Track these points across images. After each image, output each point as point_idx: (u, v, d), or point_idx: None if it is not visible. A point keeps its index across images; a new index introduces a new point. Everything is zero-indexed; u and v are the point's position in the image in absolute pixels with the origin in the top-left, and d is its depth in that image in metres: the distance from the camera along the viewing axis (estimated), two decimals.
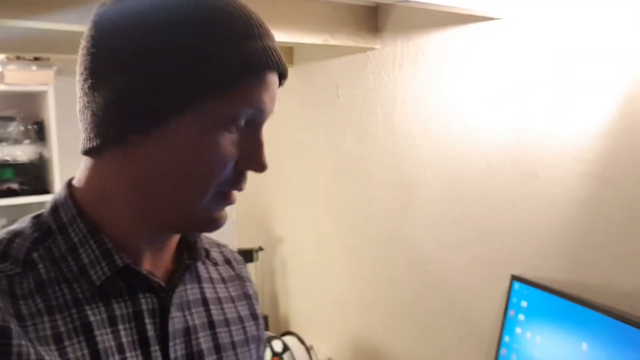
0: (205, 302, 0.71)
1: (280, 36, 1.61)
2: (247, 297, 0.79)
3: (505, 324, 1.47)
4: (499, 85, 1.50)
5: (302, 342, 2.02)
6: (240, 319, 0.75)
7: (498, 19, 1.48)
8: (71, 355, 0.56)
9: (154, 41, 0.56)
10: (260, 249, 2.30)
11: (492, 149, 1.53)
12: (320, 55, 2.08)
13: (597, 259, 1.32)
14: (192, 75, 0.56)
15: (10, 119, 2.16)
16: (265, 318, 2.27)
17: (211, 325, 0.70)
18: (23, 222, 0.63)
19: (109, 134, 0.59)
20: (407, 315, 1.84)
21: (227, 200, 0.63)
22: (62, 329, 0.56)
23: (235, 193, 0.63)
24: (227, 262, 0.80)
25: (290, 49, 2.19)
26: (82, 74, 0.60)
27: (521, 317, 1.42)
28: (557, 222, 1.40)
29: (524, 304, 1.42)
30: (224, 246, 0.83)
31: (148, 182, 0.60)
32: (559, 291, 1.34)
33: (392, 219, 1.86)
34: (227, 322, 0.72)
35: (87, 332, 0.58)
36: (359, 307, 2.04)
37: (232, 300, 0.76)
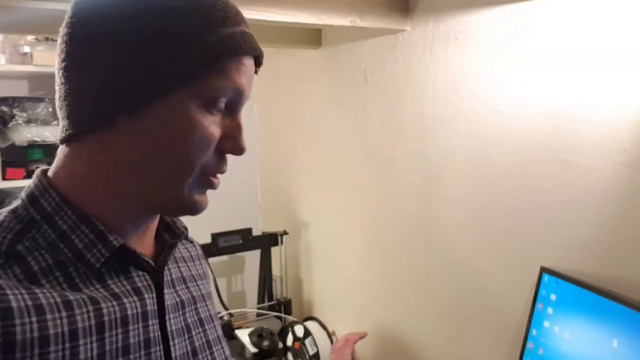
0: (184, 280, 0.75)
1: (307, 18, 1.58)
2: (204, 277, 0.84)
3: (533, 317, 1.43)
4: (533, 71, 1.45)
5: (324, 327, 2.01)
6: (207, 295, 0.80)
7: None
8: (79, 325, 0.57)
9: (136, 26, 0.58)
10: (285, 232, 2.29)
11: (525, 136, 1.48)
12: (349, 38, 2.04)
13: (631, 253, 1.27)
14: (174, 59, 0.58)
15: (40, 99, 2.19)
16: (289, 302, 2.26)
17: (193, 300, 0.74)
18: None
19: (93, 119, 0.59)
20: (431, 303, 1.81)
21: (209, 183, 0.65)
22: (71, 297, 0.58)
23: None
24: (189, 242, 0.85)
25: (317, 31, 2.16)
26: (63, 60, 0.60)
27: (550, 310, 1.38)
28: (590, 213, 1.35)
29: (553, 297, 1.38)
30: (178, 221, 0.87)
31: (132, 166, 0.61)
32: (590, 285, 1.29)
33: (419, 206, 1.83)
34: (202, 298, 0.77)
35: (94, 303, 0.59)
36: (383, 294, 2.01)
37: (200, 278, 0.81)
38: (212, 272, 0.96)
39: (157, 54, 0.57)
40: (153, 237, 0.72)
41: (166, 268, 0.70)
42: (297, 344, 2.00)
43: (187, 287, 0.74)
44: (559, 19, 1.38)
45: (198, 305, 0.75)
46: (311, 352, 1.96)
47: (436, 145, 1.74)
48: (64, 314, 0.56)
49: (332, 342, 1.98)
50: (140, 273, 0.65)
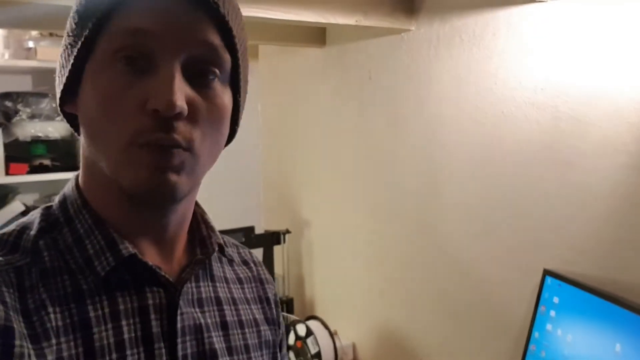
0: (218, 301, 0.67)
1: (312, 17, 1.57)
2: (266, 301, 0.75)
3: (535, 319, 1.42)
4: (538, 72, 1.44)
5: (326, 326, 2.01)
6: (255, 321, 0.71)
7: (542, 1, 1.41)
8: (65, 353, 0.53)
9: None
10: (288, 231, 2.29)
11: (528, 136, 1.47)
12: (353, 37, 2.04)
13: (635, 256, 1.26)
14: (81, 19, 0.56)
15: (43, 95, 2.19)
16: (291, 301, 2.26)
17: (224, 325, 0.66)
18: (33, 214, 0.62)
19: (61, 108, 0.61)
20: (433, 303, 1.81)
21: (158, 156, 0.54)
22: (60, 322, 0.54)
23: (183, 153, 0.55)
24: (245, 263, 0.76)
25: (322, 30, 2.15)
26: None
27: (552, 313, 1.37)
28: (594, 215, 1.34)
29: (556, 300, 1.37)
30: (243, 247, 0.79)
31: (87, 149, 0.59)
32: (594, 288, 1.28)
33: (421, 206, 1.82)
34: (240, 324, 0.68)
35: (84, 328, 0.55)
36: (384, 293, 2.01)
37: (248, 302, 0.72)
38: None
39: (75, 20, 0.57)
40: (182, 253, 0.65)
41: (190, 286, 0.63)
42: (299, 343, 2.00)
43: (222, 310, 0.67)
44: (564, 21, 1.37)
45: (233, 331, 0.67)
46: (313, 351, 1.96)
47: (439, 145, 1.74)
48: (53, 341, 0.53)
49: (333, 341, 1.98)
50: (155, 289, 0.59)
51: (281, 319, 0.78)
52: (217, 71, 0.57)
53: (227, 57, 0.58)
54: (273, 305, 0.76)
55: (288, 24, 1.72)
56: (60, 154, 2.17)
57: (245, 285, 0.73)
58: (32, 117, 2.13)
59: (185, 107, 0.53)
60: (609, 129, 1.29)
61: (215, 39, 0.56)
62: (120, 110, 0.54)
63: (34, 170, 2.12)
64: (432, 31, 1.73)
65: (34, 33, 2.13)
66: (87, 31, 0.55)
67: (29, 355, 0.51)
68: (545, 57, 1.42)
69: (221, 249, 0.69)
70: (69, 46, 0.58)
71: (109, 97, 0.54)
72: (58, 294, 0.56)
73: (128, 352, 0.56)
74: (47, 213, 0.61)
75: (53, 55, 2.08)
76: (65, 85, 0.58)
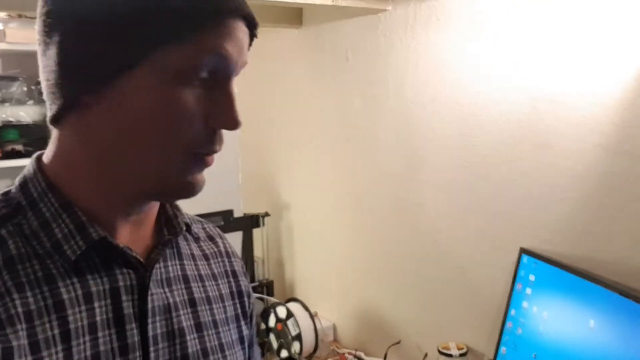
0: (186, 279, 0.68)
1: None
2: (232, 274, 0.76)
3: (512, 297, 1.45)
4: (514, 53, 1.44)
5: (306, 308, 2.01)
6: (222, 297, 0.72)
7: None
8: (40, 336, 0.53)
9: None
10: (267, 214, 2.28)
11: (505, 117, 1.48)
12: (330, 17, 2.02)
13: (609, 234, 1.29)
14: (141, 27, 0.53)
15: (13, 78, 2.13)
16: (271, 284, 2.26)
17: (192, 302, 0.67)
18: None
19: (61, 98, 0.56)
20: (412, 283, 1.82)
21: (201, 163, 0.59)
22: (33, 306, 0.54)
23: (215, 156, 0.59)
24: (210, 238, 0.77)
25: (299, 10, 2.13)
26: (37, 40, 0.57)
27: (528, 290, 1.40)
28: (569, 195, 1.36)
29: (531, 277, 1.40)
30: (207, 222, 0.80)
31: (107, 147, 0.57)
32: (568, 266, 1.31)
33: (400, 187, 1.83)
34: (208, 300, 0.70)
35: (59, 310, 0.55)
36: (364, 275, 2.02)
37: (215, 277, 0.73)
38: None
39: (122, 24, 0.53)
40: (150, 232, 0.66)
41: (158, 266, 0.64)
42: (279, 325, 2.01)
43: (189, 287, 0.68)
44: (541, 1, 1.37)
45: (200, 307, 0.68)
46: (293, 333, 1.97)
47: (417, 126, 1.74)
48: (24, 325, 0.52)
49: (314, 323, 1.99)
50: (125, 270, 0.60)
51: (250, 289, 0.79)
52: None
53: None
54: (240, 277, 0.78)
55: (264, 4, 1.69)
56: (33, 139, 2.11)
57: (212, 261, 0.75)
58: (3, 101, 2.08)
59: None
60: (584, 109, 1.31)
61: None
62: (187, 122, 0.56)
63: (6, 155, 2.07)
64: (409, 11, 1.72)
65: (2, 14, 2.07)
66: (160, 39, 0.53)
67: None
68: (523, 38, 1.42)
69: (188, 228, 0.70)
70: (117, 40, 0.53)
71: (179, 110, 0.55)
72: (28, 279, 0.55)
73: (100, 333, 0.57)
74: (6, 199, 0.59)
75: (22, 38, 2.03)
76: (97, 75, 0.54)
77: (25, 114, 2.12)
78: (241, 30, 0.57)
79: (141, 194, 0.60)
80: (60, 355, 0.54)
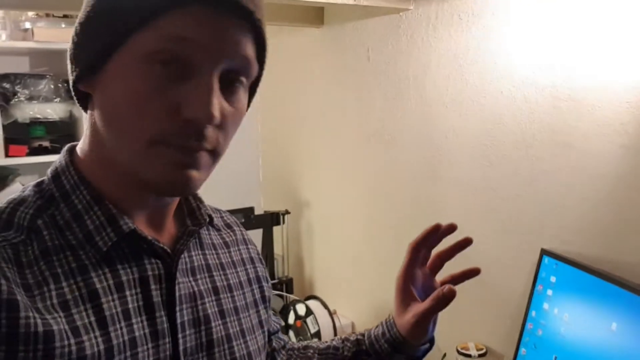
0: (208, 268, 0.71)
1: None
2: (250, 261, 0.79)
3: (532, 298, 1.44)
4: (537, 52, 1.43)
5: (325, 306, 2.02)
6: (241, 284, 0.75)
7: None
8: (79, 323, 0.55)
9: None
10: (287, 212, 2.29)
11: (528, 117, 1.47)
12: (352, 16, 2.02)
13: (632, 236, 1.27)
14: (113, 15, 0.55)
15: (41, 76, 2.17)
16: (290, 281, 2.28)
17: (215, 290, 0.70)
18: (25, 190, 0.62)
19: (74, 84, 0.60)
20: None
21: (180, 157, 0.56)
22: (69, 296, 0.56)
23: (206, 154, 0.57)
24: (228, 226, 0.80)
25: (320, 9, 2.13)
26: None
27: (549, 292, 1.39)
28: (592, 196, 1.35)
29: (552, 279, 1.38)
30: (224, 212, 0.83)
31: (103, 139, 0.59)
32: (590, 268, 1.29)
33: (420, 185, 1.83)
34: (229, 288, 0.72)
35: (93, 299, 0.57)
36: (384, 273, 2.02)
37: (234, 265, 0.76)
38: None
39: (107, 6, 0.55)
40: (173, 223, 0.68)
41: (184, 256, 0.66)
42: (298, 322, 2.02)
43: (212, 276, 0.70)
44: (564, 0, 1.36)
45: (223, 295, 0.70)
46: (312, 331, 1.98)
47: (439, 125, 1.73)
48: (62, 314, 0.54)
49: (333, 320, 2.00)
50: (153, 261, 0.62)
51: (266, 273, 0.82)
52: (245, 80, 0.60)
53: (256, 68, 0.61)
54: (257, 264, 0.80)
55: (286, 3, 1.71)
56: (60, 135, 2.16)
57: (232, 249, 0.77)
58: (31, 98, 2.12)
59: (219, 118, 0.55)
60: (607, 109, 1.29)
61: (252, 52, 0.58)
62: (152, 110, 0.54)
63: (34, 152, 2.12)
64: (431, 10, 1.72)
65: (31, 14, 2.11)
66: (130, 24, 0.54)
67: (36, 325, 0.52)
68: (545, 37, 1.41)
69: (211, 220, 0.72)
70: (102, 25, 0.56)
71: (143, 97, 0.54)
72: (62, 270, 0.57)
73: (134, 320, 0.59)
74: (40, 189, 0.62)
75: (50, 36, 2.07)
76: (86, 65, 0.58)
77: (52, 111, 2.16)
78: (218, 18, 0.54)
79: (141, 189, 0.60)
80: (100, 340, 0.56)
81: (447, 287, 0.80)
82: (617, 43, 1.27)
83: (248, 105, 0.64)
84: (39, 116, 2.14)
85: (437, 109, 1.73)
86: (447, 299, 0.79)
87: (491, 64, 1.55)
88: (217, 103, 0.55)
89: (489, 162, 1.59)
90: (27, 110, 2.12)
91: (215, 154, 0.59)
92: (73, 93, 0.61)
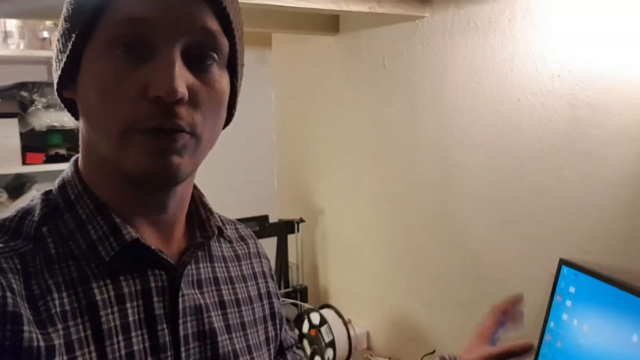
0: (216, 282, 0.69)
1: (325, 4, 1.56)
2: (262, 276, 0.77)
3: (551, 309, 1.41)
4: (554, 58, 1.41)
5: (340, 315, 2.01)
6: (250, 299, 0.73)
7: None
8: (74, 337, 0.54)
9: None
10: (302, 220, 2.29)
11: (545, 125, 1.45)
12: (367, 24, 2.02)
13: None
14: (75, 9, 0.56)
15: None
16: (305, 290, 2.27)
17: (222, 305, 0.68)
18: (34, 199, 0.62)
19: (59, 84, 0.60)
20: (447, 292, 1.80)
21: (155, 143, 0.55)
22: (68, 307, 0.55)
23: (185, 136, 0.56)
24: (242, 239, 0.79)
25: (335, 17, 2.13)
26: None
27: (568, 303, 1.36)
28: (611, 204, 1.32)
29: (572, 289, 1.36)
30: (239, 223, 0.81)
31: (92, 141, 0.60)
32: (610, 278, 1.27)
33: (436, 194, 1.81)
34: (237, 303, 0.71)
35: (92, 312, 0.56)
36: (399, 282, 2.01)
37: (244, 279, 0.74)
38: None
39: (67, 11, 0.57)
40: (182, 234, 0.67)
41: (190, 268, 0.65)
42: (313, 332, 2.01)
43: (220, 290, 0.69)
44: (581, 7, 1.34)
45: (230, 309, 0.69)
46: (327, 340, 1.96)
47: (455, 134, 1.72)
48: (61, 325, 0.54)
49: (347, 329, 1.98)
50: (157, 272, 0.61)
51: (277, 290, 0.80)
52: (215, 56, 0.58)
53: (225, 42, 0.59)
54: (268, 279, 0.79)
55: (301, 11, 1.71)
56: (76, 144, 2.17)
57: (243, 262, 0.76)
58: (48, 107, 2.15)
59: (186, 92, 0.54)
60: (627, 116, 1.27)
61: (213, 25, 0.57)
62: (120, 97, 0.54)
63: (50, 159, 2.14)
64: (447, 17, 1.71)
65: (49, 23, 2.13)
66: (85, 18, 0.55)
67: (37, 340, 0.52)
68: (562, 44, 1.40)
69: (220, 232, 0.71)
70: (66, 32, 0.58)
71: (109, 84, 0.55)
72: (64, 279, 0.56)
73: (133, 333, 0.58)
74: (47, 199, 0.62)
75: None
76: (63, 71, 0.59)
77: (69, 119, 2.18)
78: None
79: (128, 180, 0.59)
80: (94, 355, 0.55)
81: (531, 341, 0.84)
82: (636, 50, 1.25)
83: (235, 89, 0.64)
84: (55, 124, 2.16)
85: (454, 116, 1.72)
86: (531, 349, 0.85)
87: (508, 71, 1.54)
88: (180, 77, 0.54)
89: (506, 170, 1.57)
90: (44, 119, 2.14)
91: (195, 137, 0.57)
92: (61, 102, 0.62)
